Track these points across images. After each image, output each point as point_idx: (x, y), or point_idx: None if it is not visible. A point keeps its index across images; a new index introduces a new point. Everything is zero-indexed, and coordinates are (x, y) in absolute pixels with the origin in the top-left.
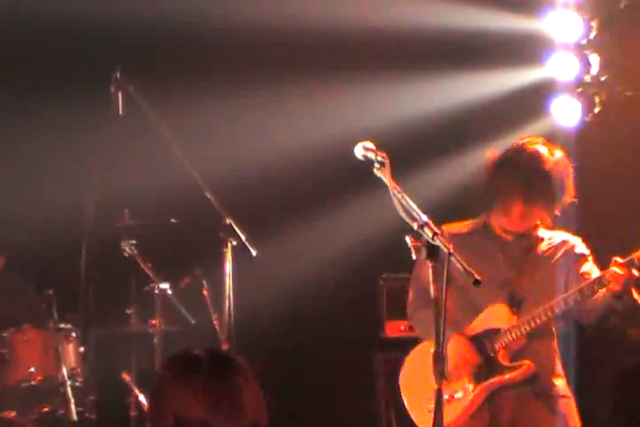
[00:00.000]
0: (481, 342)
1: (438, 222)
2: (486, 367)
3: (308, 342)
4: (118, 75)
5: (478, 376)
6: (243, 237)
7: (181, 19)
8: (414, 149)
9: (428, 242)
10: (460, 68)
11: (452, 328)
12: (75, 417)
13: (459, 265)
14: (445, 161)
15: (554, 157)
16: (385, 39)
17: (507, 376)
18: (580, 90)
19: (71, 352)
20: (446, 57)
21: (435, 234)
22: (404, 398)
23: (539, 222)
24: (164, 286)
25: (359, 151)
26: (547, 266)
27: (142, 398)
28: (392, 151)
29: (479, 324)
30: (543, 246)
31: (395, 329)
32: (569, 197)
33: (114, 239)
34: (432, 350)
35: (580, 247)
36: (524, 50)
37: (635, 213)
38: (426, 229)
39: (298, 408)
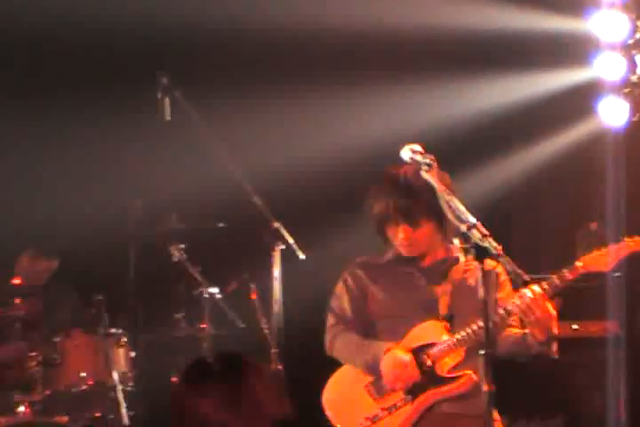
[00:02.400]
0: (417, 355)
1: (486, 224)
2: (424, 379)
3: None
4: (165, 80)
5: (415, 388)
6: (291, 241)
7: (227, 22)
8: (461, 150)
9: (476, 244)
10: (507, 69)
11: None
12: (126, 421)
13: (508, 266)
14: (492, 162)
15: (417, 175)
16: (431, 40)
17: (447, 387)
18: (626, 90)
19: (122, 357)
20: (493, 58)
21: (483, 236)
22: (331, 417)
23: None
24: (213, 290)
25: (406, 153)
26: (466, 286)
27: None
28: (438, 153)
29: (412, 340)
30: (460, 268)
31: None
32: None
33: (162, 244)
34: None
35: (498, 270)
36: (571, 50)
37: None
38: (474, 231)
39: None
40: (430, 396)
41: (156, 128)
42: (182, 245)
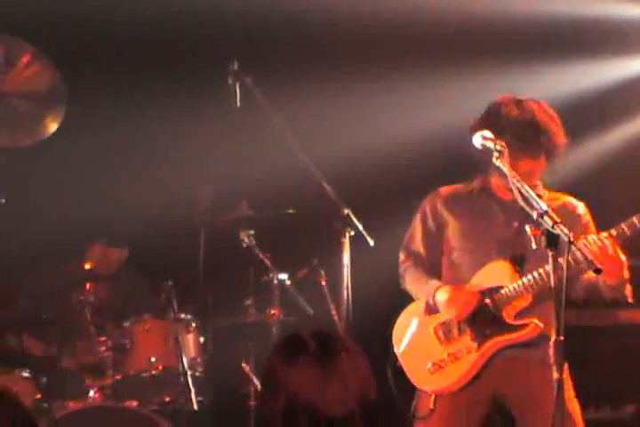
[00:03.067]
0: (483, 299)
1: None
2: (490, 325)
3: None
4: (236, 66)
5: (482, 335)
6: (360, 227)
7: (296, 10)
8: None
9: (547, 231)
10: (571, 56)
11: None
12: (195, 407)
13: (579, 254)
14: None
15: (539, 106)
16: (495, 28)
17: (514, 335)
18: None
19: (191, 342)
20: (556, 46)
21: (555, 223)
22: (398, 355)
23: (539, 183)
24: (283, 276)
25: (478, 140)
26: None
27: None
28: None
29: (480, 281)
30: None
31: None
32: (561, 147)
33: (232, 230)
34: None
35: (581, 210)
36: (636, 38)
37: None
38: (545, 218)
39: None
40: (496, 343)
41: (227, 114)
42: (252, 232)
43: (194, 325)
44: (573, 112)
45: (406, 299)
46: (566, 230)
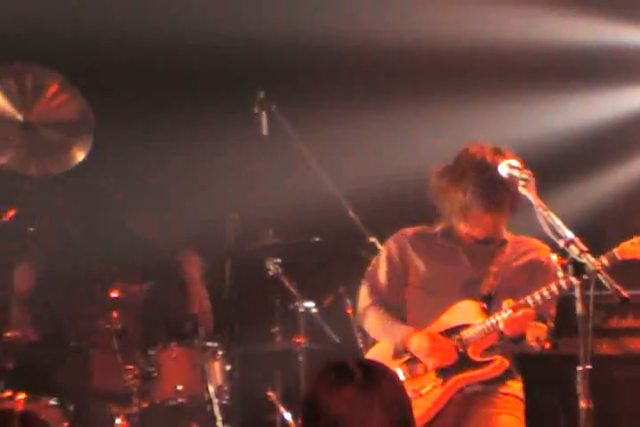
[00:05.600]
0: (450, 337)
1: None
2: (456, 362)
3: None
4: (262, 95)
5: (447, 371)
6: None
7: (322, 37)
8: (555, 166)
9: (574, 259)
10: (603, 84)
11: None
12: None
13: (606, 282)
14: (586, 178)
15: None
16: (527, 54)
17: (478, 372)
18: None
19: (217, 370)
20: (590, 73)
21: (581, 251)
22: None
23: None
24: (309, 304)
25: (504, 169)
26: (512, 268)
27: (287, 415)
28: (532, 168)
29: (447, 320)
30: (509, 250)
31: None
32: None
33: (258, 258)
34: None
35: (544, 256)
36: None
37: None
38: (572, 247)
39: None
40: (461, 380)
41: (254, 142)
42: (278, 260)
43: (220, 353)
44: (592, 141)
45: None
46: (592, 259)
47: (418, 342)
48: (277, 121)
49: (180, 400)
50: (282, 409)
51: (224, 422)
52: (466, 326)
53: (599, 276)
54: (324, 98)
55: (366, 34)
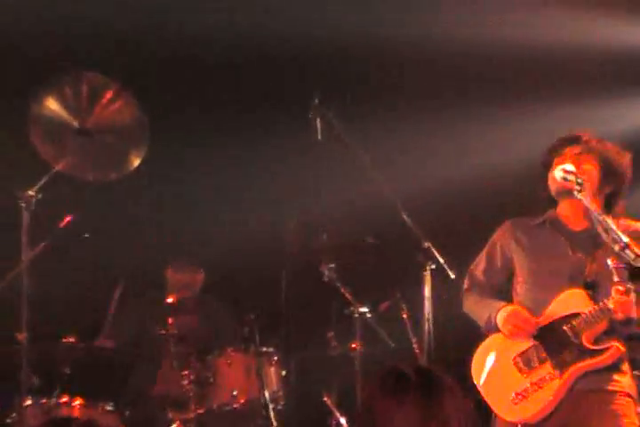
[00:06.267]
0: (562, 326)
1: None
2: (571, 352)
3: None
4: (317, 101)
5: (563, 361)
6: (441, 261)
7: (377, 42)
8: None
9: (629, 263)
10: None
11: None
12: None
13: None
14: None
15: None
16: (581, 59)
17: (596, 359)
18: None
19: (273, 375)
20: (630, 78)
21: (637, 255)
22: (479, 388)
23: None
24: (364, 309)
25: (559, 174)
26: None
27: (343, 420)
28: None
29: (555, 310)
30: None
31: None
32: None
33: (314, 263)
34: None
35: None
36: None
37: None
38: (627, 251)
39: None
40: (579, 369)
41: (309, 147)
42: (332, 265)
43: (276, 358)
44: None
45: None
46: None
47: (502, 316)
48: (333, 126)
49: (236, 406)
50: (337, 414)
51: (280, 426)
52: (575, 315)
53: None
54: (381, 103)
55: (418, 37)
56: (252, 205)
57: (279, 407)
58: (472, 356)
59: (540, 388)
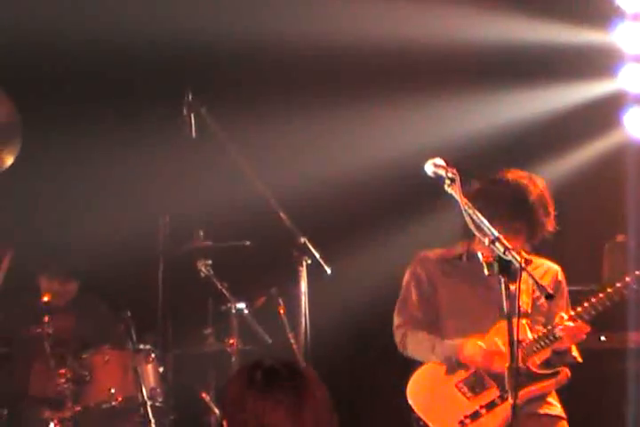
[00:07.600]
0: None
1: None
2: (521, 377)
3: (381, 362)
4: (190, 97)
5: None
6: (317, 256)
7: (251, 38)
8: (484, 164)
9: (499, 257)
10: (531, 81)
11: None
12: None
13: (531, 280)
14: None
15: (538, 188)
16: (455, 54)
17: (544, 383)
18: None
19: (150, 373)
20: (517, 71)
21: (506, 249)
22: (423, 416)
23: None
24: (241, 305)
25: (429, 168)
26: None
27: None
28: (462, 167)
29: (494, 338)
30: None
31: None
32: (551, 225)
33: (189, 260)
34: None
35: (560, 277)
36: (595, 62)
37: None
38: (497, 245)
39: None
40: (528, 393)
41: (183, 144)
42: (209, 261)
43: (153, 355)
44: (524, 138)
45: (365, 326)
46: (518, 256)
47: (471, 349)
48: (207, 123)
49: (114, 403)
50: (215, 410)
51: (157, 424)
52: (519, 342)
53: (524, 273)
54: (255, 100)
55: (295, 33)
56: (127, 203)
57: (157, 404)
58: (348, 349)
59: (491, 411)
